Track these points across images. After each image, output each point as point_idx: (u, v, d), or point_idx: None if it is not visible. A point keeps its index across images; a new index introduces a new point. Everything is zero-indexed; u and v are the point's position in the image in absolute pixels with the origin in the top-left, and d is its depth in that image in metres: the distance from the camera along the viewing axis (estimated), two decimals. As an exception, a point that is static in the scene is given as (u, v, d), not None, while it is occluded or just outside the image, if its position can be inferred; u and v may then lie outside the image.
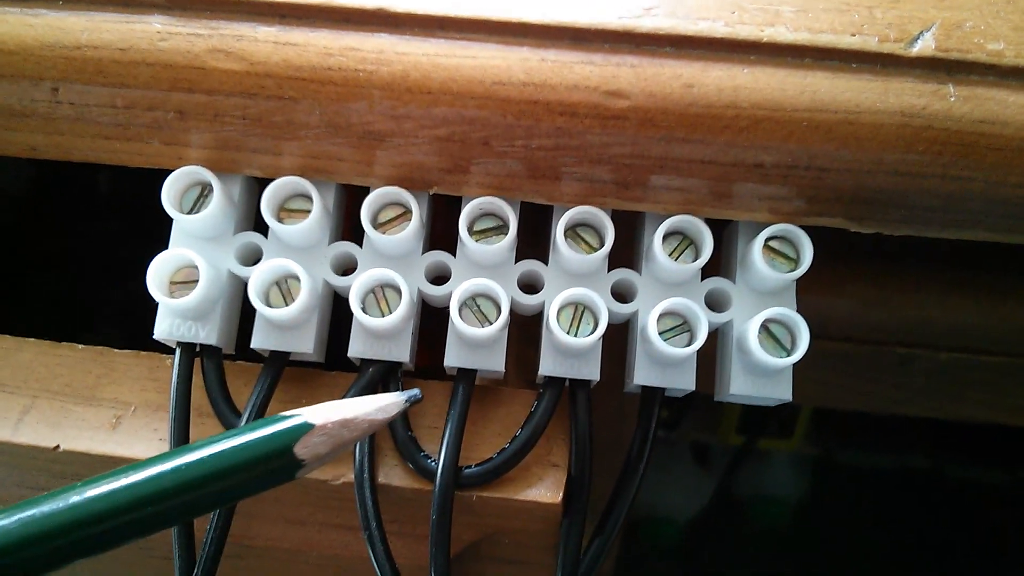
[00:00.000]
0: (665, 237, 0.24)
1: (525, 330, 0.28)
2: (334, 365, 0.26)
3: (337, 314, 0.26)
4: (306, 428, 0.17)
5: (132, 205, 0.42)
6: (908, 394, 0.39)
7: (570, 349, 0.24)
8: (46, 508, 0.16)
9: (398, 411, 0.18)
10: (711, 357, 0.26)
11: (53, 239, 0.44)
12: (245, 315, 0.26)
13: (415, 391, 0.19)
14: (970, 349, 0.37)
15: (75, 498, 0.16)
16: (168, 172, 0.24)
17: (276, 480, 0.17)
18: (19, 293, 0.42)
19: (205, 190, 0.24)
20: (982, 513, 0.62)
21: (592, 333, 0.24)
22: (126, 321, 0.38)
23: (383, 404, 0.18)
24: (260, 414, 0.24)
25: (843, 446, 0.65)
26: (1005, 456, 0.61)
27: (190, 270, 0.24)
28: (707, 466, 0.66)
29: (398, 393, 0.18)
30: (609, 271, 0.25)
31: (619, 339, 0.26)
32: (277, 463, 0.17)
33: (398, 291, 0.24)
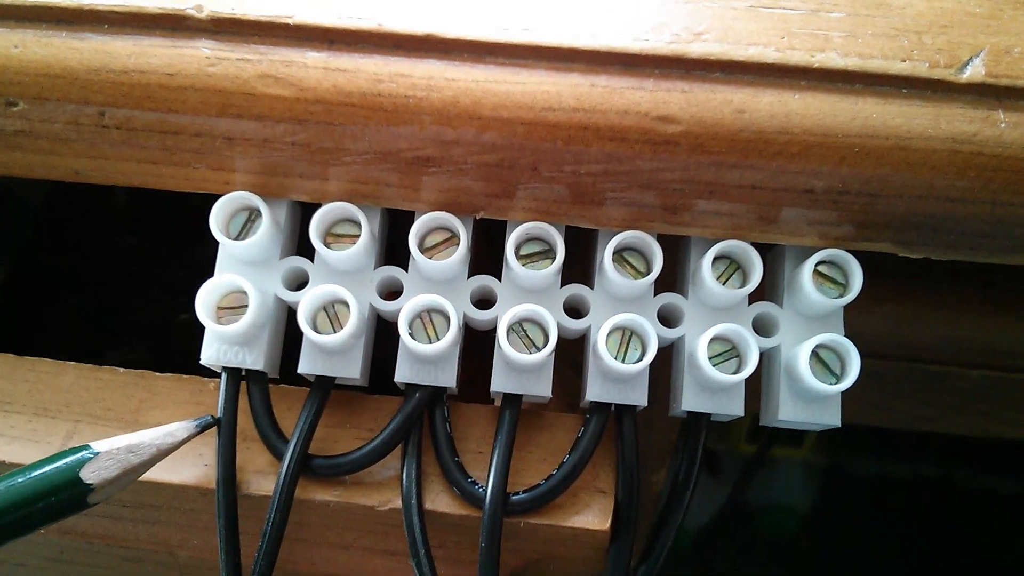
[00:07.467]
0: (713, 261, 0.24)
1: (564, 350, 0.28)
2: (376, 388, 0.26)
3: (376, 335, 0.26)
4: (90, 456, 0.19)
5: (152, 218, 0.42)
6: (938, 411, 0.39)
7: (618, 375, 0.24)
8: None
9: (187, 435, 0.21)
10: (755, 380, 0.26)
11: (74, 253, 0.44)
12: (288, 337, 0.26)
13: (206, 417, 0.21)
14: (1002, 367, 0.37)
15: None
16: (213, 196, 0.24)
17: (71, 505, 0.19)
18: (41, 308, 0.42)
19: (252, 215, 0.24)
20: (994, 524, 0.62)
21: (641, 360, 0.23)
22: (152, 336, 0.38)
23: (171, 430, 0.21)
24: (307, 440, 0.24)
25: (854, 455, 0.65)
26: (1017, 467, 0.61)
27: (237, 295, 0.24)
28: (718, 474, 0.66)
29: (188, 420, 0.20)
30: (655, 295, 0.25)
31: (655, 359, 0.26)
32: (68, 490, 0.19)
33: (446, 316, 0.24)
